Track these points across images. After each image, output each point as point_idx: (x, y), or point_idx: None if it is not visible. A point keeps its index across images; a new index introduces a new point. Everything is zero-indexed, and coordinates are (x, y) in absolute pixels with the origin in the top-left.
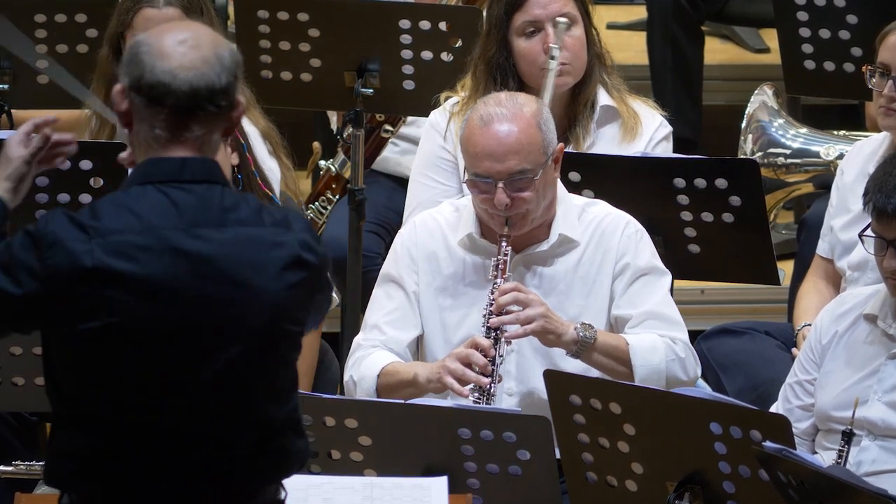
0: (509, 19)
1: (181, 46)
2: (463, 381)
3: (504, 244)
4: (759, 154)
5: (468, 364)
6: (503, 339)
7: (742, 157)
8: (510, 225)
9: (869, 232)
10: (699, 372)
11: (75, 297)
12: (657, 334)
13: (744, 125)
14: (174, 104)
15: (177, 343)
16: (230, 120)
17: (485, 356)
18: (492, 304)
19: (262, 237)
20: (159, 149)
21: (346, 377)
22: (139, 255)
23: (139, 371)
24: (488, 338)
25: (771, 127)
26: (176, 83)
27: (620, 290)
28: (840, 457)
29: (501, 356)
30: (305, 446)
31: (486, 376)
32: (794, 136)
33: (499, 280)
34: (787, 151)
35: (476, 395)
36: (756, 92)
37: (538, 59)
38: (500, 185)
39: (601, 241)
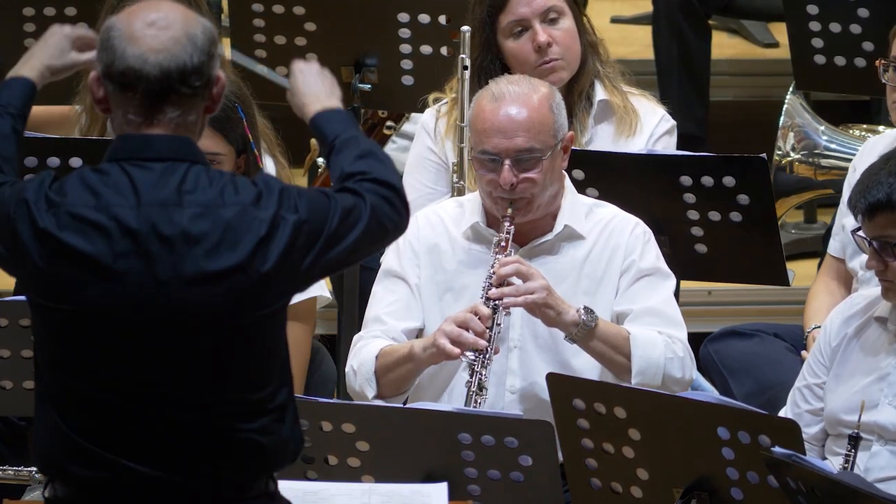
0: (494, 21)
1: (150, 29)
2: (459, 344)
3: (507, 223)
4: (803, 153)
5: (465, 329)
6: (501, 308)
7: (749, 154)
8: (514, 209)
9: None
10: (694, 374)
11: (37, 268)
12: (656, 331)
13: (782, 122)
14: (146, 89)
15: (131, 326)
16: (210, 98)
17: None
18: (492, 276)
19: (222, 219)
20: (134, 132)
21: (346, 368)
22: (90, 232)
23: (94, 354)
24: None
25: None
26: (147, 68)
27: (623, 287)
28: (847, 461)
29: (499, 324)
30: (289, 436)
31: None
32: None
33: (500, 255)
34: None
35: (472, 356)
36: (791, 90)
37: (529, 58)
38: (507, 163)
39: (609, 240)
